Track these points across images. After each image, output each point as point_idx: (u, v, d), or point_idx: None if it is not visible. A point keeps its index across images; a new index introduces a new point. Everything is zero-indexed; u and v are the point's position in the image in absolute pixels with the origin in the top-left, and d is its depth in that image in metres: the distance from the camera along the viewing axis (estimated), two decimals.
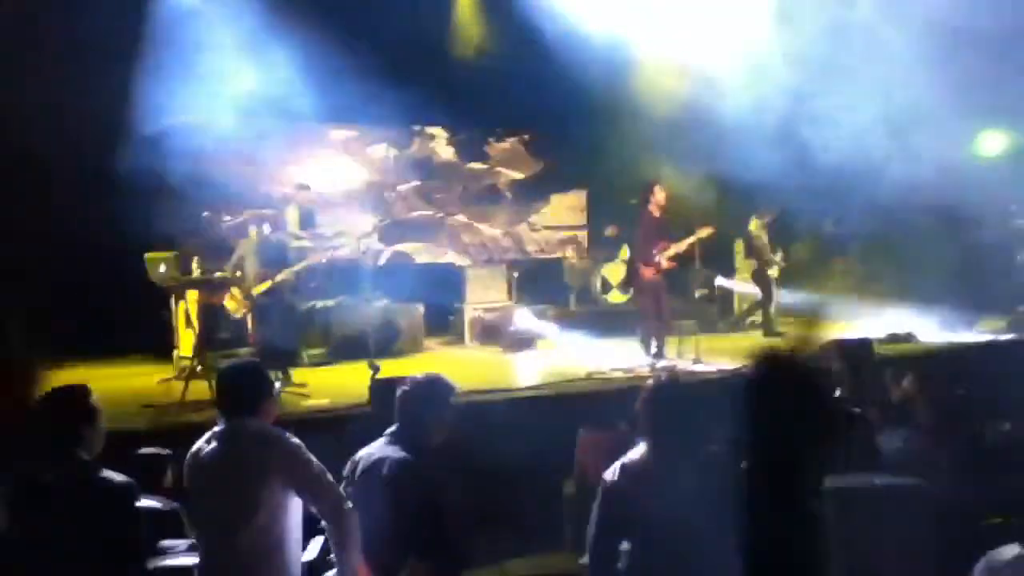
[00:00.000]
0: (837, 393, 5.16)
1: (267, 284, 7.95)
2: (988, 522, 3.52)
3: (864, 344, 8.69)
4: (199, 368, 7.48)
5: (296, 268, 8.07)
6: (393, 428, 3.68)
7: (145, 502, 4.15)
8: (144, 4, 9.77)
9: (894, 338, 9.59)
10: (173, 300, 9.16)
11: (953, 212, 11.78)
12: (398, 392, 3.72)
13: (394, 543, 3.40)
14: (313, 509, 3.32)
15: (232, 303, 8.37)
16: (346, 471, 3.68)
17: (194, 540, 3.76)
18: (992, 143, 11.97)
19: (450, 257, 13.11)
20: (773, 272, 10.80)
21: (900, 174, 10.68)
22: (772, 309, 10.70)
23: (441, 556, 3.47)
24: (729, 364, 8.44)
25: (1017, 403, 5.68)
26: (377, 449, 3.63)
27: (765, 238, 10.86)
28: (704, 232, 8.75)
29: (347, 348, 9.65)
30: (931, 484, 3.38)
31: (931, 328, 10.04)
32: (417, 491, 3.43)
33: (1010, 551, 3.02)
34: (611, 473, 3.23)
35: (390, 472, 3.46)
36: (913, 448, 4.64)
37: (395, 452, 3.54)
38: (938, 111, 9.83)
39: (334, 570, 3.38)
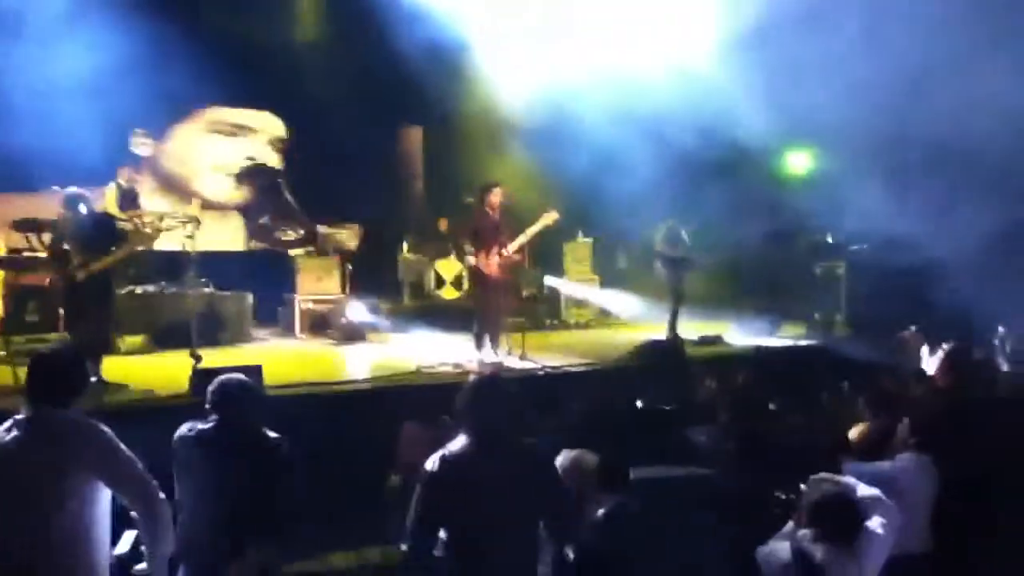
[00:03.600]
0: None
1: (97, 265, 7.07)
2: (770, 510, 3.91)
3: (674, 345, 9.30)
4: (2, 352, 7.02)
5: (120, 254, 7.44)
6: (214, 421, 3.69)
7: None
8: None
9: (704, 340, 10.22)
10: None
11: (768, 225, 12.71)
12: (213, 388, 3.76)
13: (227, 528, 3.42)
14: (124, 501, 3.25)
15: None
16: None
17: None
18: (798, 162, 12.97)
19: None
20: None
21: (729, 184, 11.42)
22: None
23: (274, 542, 3.53)
24: (553, 361, 8.77)
25: (810, 401, 6.25)
26: (207, 431, 3.66)
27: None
28: (550, 217, 8.82)
29: (169, 336, 9.29)
30: (723, 475, 3.70)
31: (739, 332, 10.78)
32: (258, 474, 3.50)
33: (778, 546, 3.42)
34: (431, 463, 3.33)
35: (235, 455, 3.51)
36: (714, 443, 5.03)
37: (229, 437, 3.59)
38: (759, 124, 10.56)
39: (144, 564, 3.32)
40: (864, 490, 3.63)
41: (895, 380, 7.00)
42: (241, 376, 3.91)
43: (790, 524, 3.65)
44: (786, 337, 10.89)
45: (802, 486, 3.62)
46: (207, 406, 3.77)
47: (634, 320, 11.93)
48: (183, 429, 3.78)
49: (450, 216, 12.47)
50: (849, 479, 3.66)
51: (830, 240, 11.65)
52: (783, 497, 3.87)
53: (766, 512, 3.89)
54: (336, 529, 5.54)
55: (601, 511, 3.98)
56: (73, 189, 7.37)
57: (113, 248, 7.19)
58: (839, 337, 10.69)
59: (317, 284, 11.13)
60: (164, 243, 9.44)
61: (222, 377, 3.87)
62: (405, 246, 12.56)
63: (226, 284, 10.56)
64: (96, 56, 9.39)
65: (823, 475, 3.66)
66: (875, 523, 3.54)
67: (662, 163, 10.44)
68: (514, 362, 8.46)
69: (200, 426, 3.73)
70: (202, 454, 3.61)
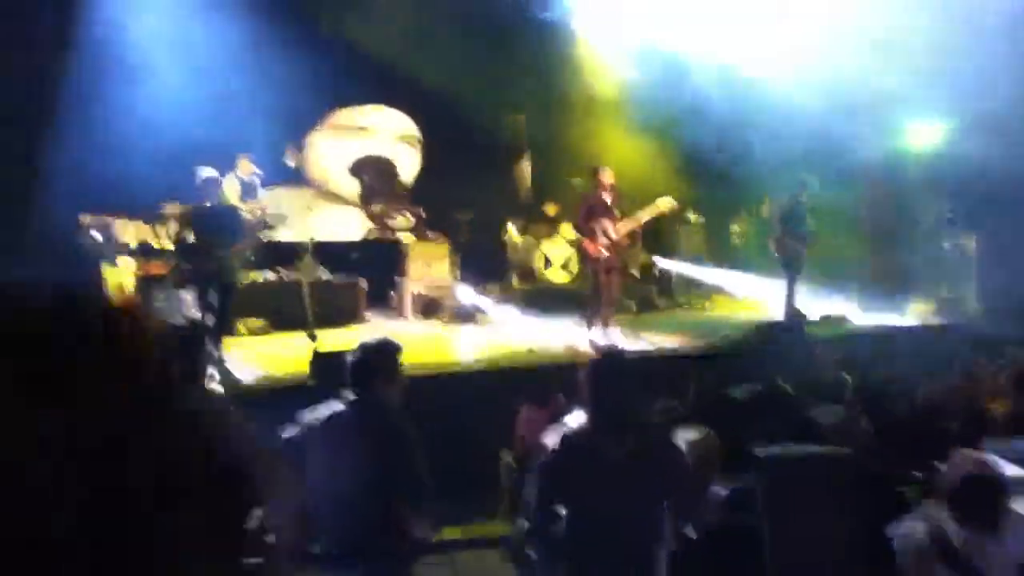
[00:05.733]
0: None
1: (223, 255, 7.33)
2: (905, 489, 3.70)
3: (796, 325, 8.97)
4: None
5: (245, 245, 7.68)
6: (351, 393, 3.62)
7: None
8: None
9: (826, 320, 9.85)
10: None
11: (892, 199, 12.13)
12: (350, 358, 3.67)
13: (375, 504, 3.41)
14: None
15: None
16: (294, 433, 3.62)
17: None
18: (925, 135, 12.29)
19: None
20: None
21: (850, 158, 10.96)
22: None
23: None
24: (667, 342, 8.61)
25: (943, 379, 5.92)
26: (341, 409, 3.59)
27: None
28: (664, 204, 8.72)
29: (286, 320, 9.56)
30: (857, 455, 3.53)
31: (863, 311, 10.34)
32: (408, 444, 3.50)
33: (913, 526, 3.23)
34: (553, 441, 3.28)
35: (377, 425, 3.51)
36: (842, 423, 4.82)
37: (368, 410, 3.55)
38: (881, 98, 10.07)
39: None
40: (1011, 470, 3.38)
41: None
42: (382, 338, 3.84)
43: (926, 503, 3.44)
44: (914, 315, 10.39)
45: (940, 464, 3.39)
46: (350, 378, 3.66)
47: (749, 300, 11.59)
48: (313, 414, 3.64)
49: (558, 199, 12.41)
50: (994, 458, 3.41)
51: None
52: (920, 476, 3.65)
53: (902, 492, 3.68)
54: (449, 504, 5.58)
55: (725, 491, 3.86)
56: (211, 172, 7.58)
57: (237, 238, 7.45)
58: (971, 314, 10.15)
59: (426, 269, 11.22)
60: (284, 234, 9.75)
61: (365, 343, 3.76)
62: (512, 229, 12.55)
63: (341, 271, 10.79)
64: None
65: (965, 452, 3.43)
66: (1023, 506, 3.29)
67: (777, 136, 10.08)
68: (627, 343, 8.34)
69: (335, 407, 3.63)
70: (341, 433, 3.52)
